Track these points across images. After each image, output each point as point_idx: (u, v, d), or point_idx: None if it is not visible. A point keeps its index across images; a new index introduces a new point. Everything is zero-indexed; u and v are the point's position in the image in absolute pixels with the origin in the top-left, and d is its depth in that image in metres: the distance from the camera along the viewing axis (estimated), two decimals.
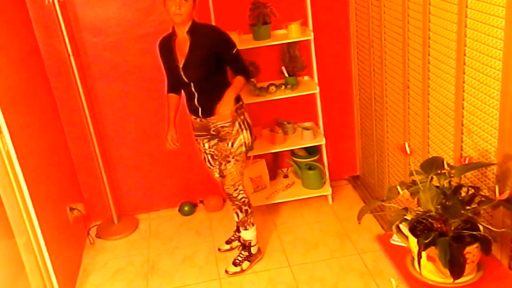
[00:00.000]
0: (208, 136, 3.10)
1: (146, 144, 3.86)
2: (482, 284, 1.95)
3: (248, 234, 3.27)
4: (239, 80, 2.93)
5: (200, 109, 2.99)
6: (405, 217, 2.03)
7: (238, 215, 3.25)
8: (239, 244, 3.50)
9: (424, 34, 2.56)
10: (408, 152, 2.08)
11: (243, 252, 3.31)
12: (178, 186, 4.03)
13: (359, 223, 2.12)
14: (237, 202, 3.19)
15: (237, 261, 3.28)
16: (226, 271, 3.27)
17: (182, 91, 3.07)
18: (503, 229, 2.04)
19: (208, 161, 3.22)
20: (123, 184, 3.96)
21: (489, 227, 1.99)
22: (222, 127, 2.99)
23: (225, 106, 2.81)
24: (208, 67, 2.88)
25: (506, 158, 2.04)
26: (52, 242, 2.97)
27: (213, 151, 3.15)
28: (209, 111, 2.96)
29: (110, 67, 3.62)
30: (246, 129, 3.03)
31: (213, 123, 3.01)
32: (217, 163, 3.19)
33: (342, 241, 3.48)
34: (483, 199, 1.98)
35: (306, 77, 3.79)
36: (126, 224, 3.90)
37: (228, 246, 3.49)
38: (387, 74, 3.19)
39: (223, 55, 2.89)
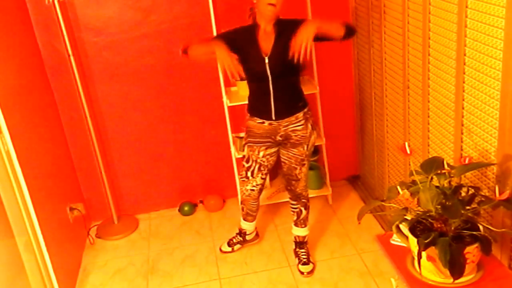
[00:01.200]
0: (268, 143, 2.99)
1: (146, 144, 3.86)
2: (482, 284, 1.95)
3: (306, 232, 3.28)
4: (336, 24, 2.66)
5: (274, 110, 2.88)
6: (405, 217, 2.03)
7: (300, 213, 3.21)
8: (240, 246, 3.50)
9: (424, 34, 2.56)
10: (408, 152, 2.08)
11: (305, 250, 3.28)
12: (178, 186, 4.03)
13: (359, 223, 2.12)
14: (304, 200, 3.19)
15: (306, 259, 3.24)
16: (302, 272, 3.19)
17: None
18: (503, 229, 2.04)
19: (252, 171, 3.06)
20: (123, 184, 3.96)
21: (489, 227, 1.99)
22: (294, 130, 2.92)
23: (305, 33, 2.54)
24: (291, 61, 2.69)
25: (506, 158, 2.04)
26: (52, 242, 2.97)
27: (264, 161, 3.03)
28: (283, 113, 2.88)
29: (110, 67, 3.62)
30: (315, 129, 3.01)
31: (284, 127, 2.92)
32: (259, 176, 3.08)
33: (342, 241, 3.48)
34: (483, 199, 1.98)
35: (306, 77, 3.79)
36: (126, 224, 3.90)
37: (229, 249, 3.48)
38: (387, 74, 3.19)
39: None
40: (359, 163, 4.13)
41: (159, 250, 3.61)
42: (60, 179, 3.47)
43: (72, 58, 3.40)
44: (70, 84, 3.55)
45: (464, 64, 2.23)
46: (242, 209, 3.35)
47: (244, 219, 3.41)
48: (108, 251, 3.66)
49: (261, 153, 3.01)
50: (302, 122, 2.92)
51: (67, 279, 3.21)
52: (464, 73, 2.25)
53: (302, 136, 2.94)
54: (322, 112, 3.71)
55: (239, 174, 3.17)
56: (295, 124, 2.92)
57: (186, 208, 3.97)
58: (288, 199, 3.77)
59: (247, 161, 3.06)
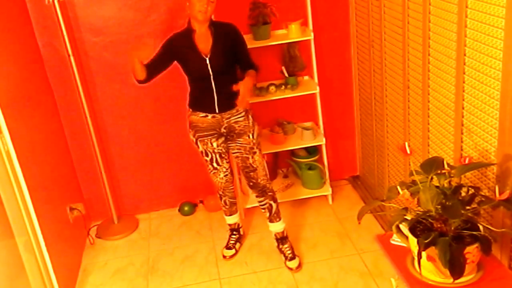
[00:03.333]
0: (216, 135, 3.09)
1: (146, 144, 3.86)
2: (482, 284, 1.95)
3: (282, 224, 3.32)
4: (252, 73, 3.02)
5: (217, 103, 2.99)
6: (405, 217, 2.03)
7: (271, 208, 3.26)
8: (240, 244, 3.51)
9: (424, 34, 2.56)
10: (408, 152, 2.08)
11: (288, 245, 3.33)
12: (178, 186, 4.03)
13: (359, 223, 2.12)
14: (270, 193, 3.24)
15: (291, 254, 3.29)
16: (291, 269, 3.24)
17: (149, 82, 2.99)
18: (503, 229, 2.04)
19: (216, 161, 3.16)
20: (123, 184, 3.96)
21: (489, 227, 1.99)
22: (236, 122, 3.04)
23: (247, 92, 2.89)
24: (230, 58, 2.98)
25: (506, 158, 2.04)
26: (52, 242, 2.97)
27: (221, 149, 3.13)
28: (225, 106, 3.00)
29: (110, 67, 3.62)
30: (255, 121, 3.12)
31: (226, 119, 3.03)
32: (224, 161, 3.17)
33: (342, 241, 3.48)
34: (483, 199, 1.98)
35: (306, 77, 3.79)
36: (126, 224, 3.90)
37: (232, 251, 3.45)
38: (387, 74, 3.19)
39: (239, 49, 3.01)
40: (359, 163, 4.13)
41: (159, 250, 3.61)
42: (60, 179, 3.47)
43: (72, 58, 3.40)
44: (70, 84, 3.55)
45: (464, 64, 2.23)
46: (225, 203, 3.39)
47: (230, 214, 3.45)
48: (108, 251, 3.66)
49: (215, 144, 3.11)
50: (243, 114, 3.06)
51: (67, 279, 3.21)
52: (464, 73, 2.25)
53: (245, 125, 3.07)
54: (322, 112, 3.71)
55: (207, 169, 3.24)
56: (236, 116, 3.05)
57: (186, 208, 3.97)
58: (287, 199, 3.81)
59: (206, 155, 3.16)
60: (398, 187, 2.04)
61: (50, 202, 3.15)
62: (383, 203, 2.14)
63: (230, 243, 3.48)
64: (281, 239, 3.34)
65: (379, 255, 3.18)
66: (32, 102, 3.16)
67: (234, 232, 3.51)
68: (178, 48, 2.97)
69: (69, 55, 3.40)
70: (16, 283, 2.71)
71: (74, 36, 3.50)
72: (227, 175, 3.23)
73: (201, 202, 4.06)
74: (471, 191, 2.02)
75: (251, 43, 3.45)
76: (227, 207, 3.42)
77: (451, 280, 1.86)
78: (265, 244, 3.53)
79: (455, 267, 1.82)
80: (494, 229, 1.98)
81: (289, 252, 3.29)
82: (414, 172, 2.05)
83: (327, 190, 3.86)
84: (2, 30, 2.85)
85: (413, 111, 2.88)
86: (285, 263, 3.28)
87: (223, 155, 3.16)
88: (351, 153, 4.13)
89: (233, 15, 3.55)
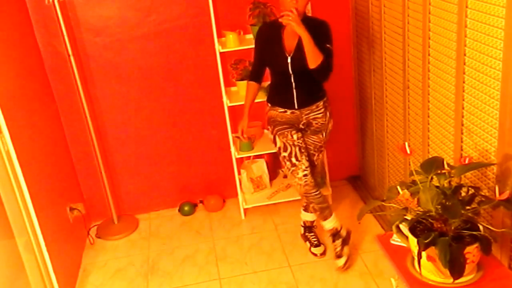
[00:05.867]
0: (295, 129, 3.09)
1: (146, 144, 3.86)
2: (482, 284, 1.96)
3: (315, 216, 3.31)
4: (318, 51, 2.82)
5: (296, 100, 2.99)
6: (405, 217, 2.03)
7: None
8: (344, 245, 3.19)
9: (424, 34, 2.56)
10: (408, 152, 2.08)
11: (313, 233, 3.41)
12: (178, 186, 4.03)
13: (359, 223, 2.12)
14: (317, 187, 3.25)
15: (316, 241, 3.37)
16: (315, 255, 3.31)
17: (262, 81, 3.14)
18: (503, 229, 2.04)
19: (295, 155, 3.01)
20: (123, 184, 3.96)
21: (489, 227, 1.99)
22: (314, 118, 3.04)
23: (296, 20, 2.72)
24: None
25: (506, 158, 2.04)
26: (52, 242, 2.97)
27: (301, 143, 3.06)
28: (304, 102, 3.00)
29: (110, 67, 3.62)
30: (332, 117, 3.11)
31: (306, 115, 3.04)
32: (304, 157, 3.02)
33: None
34: (483, 199, 1.98)
35: None
36: (126, 224, 3.90)
37: (343, 260, 3.15)
38: (387, 74, 3.19)
39: (318, 40, 2.80)
40: (359, 163, 4.13)
41: (159, 250, 3.61)
42: (60, 179, 3.47)
43: (72, 58, 3.40)
44: (70, 84, 3.55)
45: (464, 64, 2.23)
46: (314, 209, 3.15)
47: (325, 219, 3.14)
48: (108, 251, 3.66)
49: (295, 136, 3.05)
50: (322, 110, 3.05)
51: (67, 279, 3.21)
52: (464, 73, 2.25)
53: (322, 123, 3.07)
54: None
55: (285, 168, 3.08)
56: (315, 112, 3.04)
57: (186, 208, 3.97)
58: (287, 199, 3.80)
59: (285, 149, 3.03)
60: (398, 187, 2.04)
61: (50, 202, 3.15)
62: (383, 203, 2.15)
63: (337, 251, 3.16)
64: (309, 227, 3.42)
65: (379, 255, 3.18)
66: (32, 102, 3.16)
67: (336, 235, 3.18)
68: (265, 39, 2.97)
69: (69, 55, 3.40)
70: (16, 283, 2.71)
71: (74, 36, 3.50)
72: (306, 175, 3.01)
73: (201, 202, 4.06)
74: (471, 191, 2.02)
75: (251, 43, 3.44)
76: (317, 213, 3.15)
77: (451, 280, 1.87)
78: (265, 244, 3.53)
79: (455, 267, 1.82)
80: (494, 229, 1.98)
81: (314, 239, 3.37)
82: (414, 172, 2.05)
83: (327, 190, 3.86)
84: (2, 30, 2.85)
85: (413, 111, 2.88)
86: (310, 249, 3.36)
87: (302, 150, 3.04)
88: (351, 153, 4.13)
89: (233, 15, 3.56)
